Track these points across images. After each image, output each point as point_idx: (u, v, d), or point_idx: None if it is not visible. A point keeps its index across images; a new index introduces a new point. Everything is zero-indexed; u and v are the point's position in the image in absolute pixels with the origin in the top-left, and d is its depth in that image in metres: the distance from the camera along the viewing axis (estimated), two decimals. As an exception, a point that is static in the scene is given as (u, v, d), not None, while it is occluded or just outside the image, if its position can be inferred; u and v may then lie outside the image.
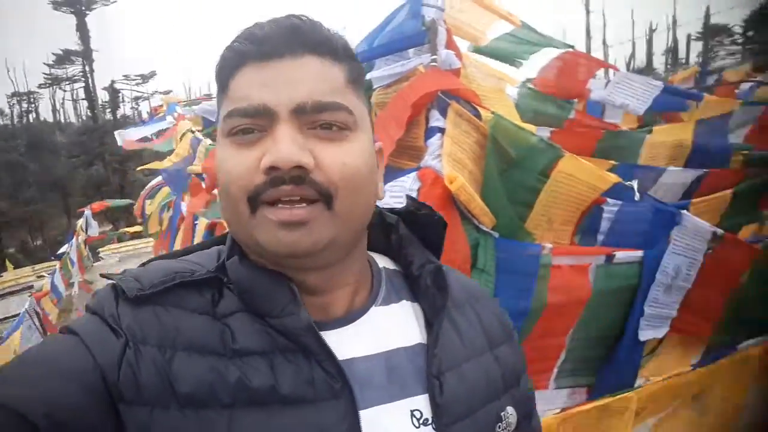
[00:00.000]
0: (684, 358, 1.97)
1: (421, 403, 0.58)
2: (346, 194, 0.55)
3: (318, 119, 0.55)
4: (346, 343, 0.58)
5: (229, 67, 0.58)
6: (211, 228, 3.24)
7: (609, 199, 1.77)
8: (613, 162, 1.99)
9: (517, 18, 1.78)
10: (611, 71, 2.40)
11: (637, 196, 1.70)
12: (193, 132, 3.69)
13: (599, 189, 1.72)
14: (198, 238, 3.35)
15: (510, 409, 0.65)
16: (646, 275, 1.83)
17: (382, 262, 0.70)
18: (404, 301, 0.66)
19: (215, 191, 3.41)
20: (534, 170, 1.65)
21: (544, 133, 1.98)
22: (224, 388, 0.52)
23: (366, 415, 0.55)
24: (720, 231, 1.87)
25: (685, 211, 1.82)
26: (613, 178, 1.70)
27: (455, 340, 0.64)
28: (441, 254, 0.71)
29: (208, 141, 3.52)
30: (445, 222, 0.70)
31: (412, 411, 0.58)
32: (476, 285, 0.79)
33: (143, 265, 0.63)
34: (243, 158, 0.54)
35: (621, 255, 1.77)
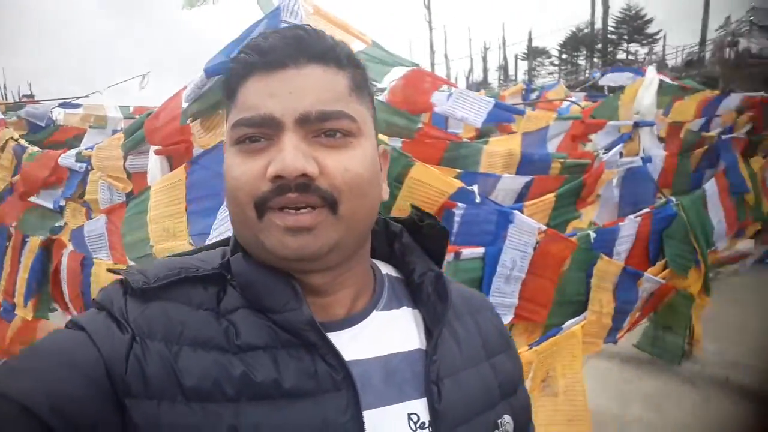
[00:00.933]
0: (530, 342, 2.25)
1: (418, 407, 0.59)
2: (349, 199, 0.57)
3: (322, 127, 0.56)
4: (346, 344, 0.58)
5: (236, 77, 0.59)
6: (45, 246, 2.90)
7: (459, 203, 1.97)
8: (458, 170, 2.22)
9: (369, 37, 1.91)
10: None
11: (477, 199, 1.92)
12: (16, 140, 3.26)
13: (446, 193, 1.90)
14: (28, 258, 2.97)
15: (507, 418, 0.66)
16: (488, 268, 2.07)
17: (385, 269, 0.72)
18: (405, 308, 0.67)
19: (33, 198, 3.04)
20: (390, 177, 1.78)
21: (396, 143, 2.14)
22: (229, 382, 0.53)
23: (365, 416, 0.55)
24: (543, 227, 2.19)
25: (516, 211, 2.10)
26: (458, 183, 1.89)
27: (454, 348, 0.65)
28: (442, 263, 0.72)
29: (35, 148, 3.14)
30: (448, 232, 0.72)
31: (409, 414, 0.59)
32: (477, 295, 0.79)
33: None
34: (250, 166, 0.56)
35: (466, 252, 1.99)
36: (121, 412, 0.50)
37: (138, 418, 0.50)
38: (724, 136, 4.27)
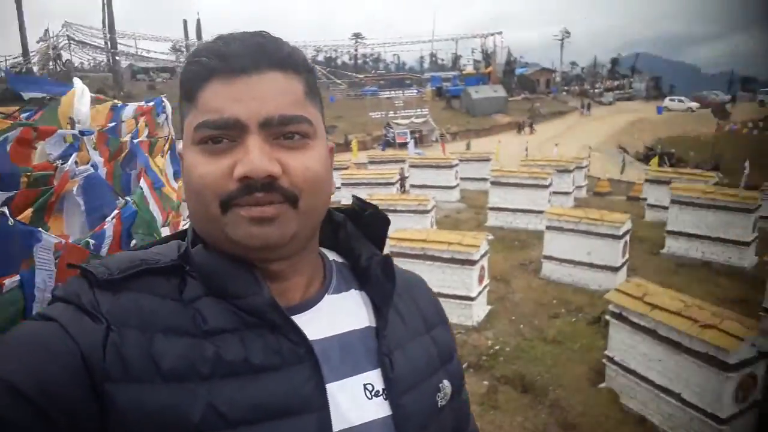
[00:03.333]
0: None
1: (372, 377, 0.65)
2: (309, 195, 0.61)
3: (283, 131, 0.60)
4: (304, 326, 0.62)
5: (195, 79, 0.60)
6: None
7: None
8: (-44, 192, 1.79)
9: None
10: None
11: (11, 221, 1.72)
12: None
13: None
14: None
15: (446, 382, 0.73)
16: (27, 295, 1.85)
17: (332, 256, 0.76)
18: (353, 290, 0.73)
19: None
20: None
21: None
22: (202, 362, 0.56)
23: (326, 389, 0.61)
24: (62, 240, 2.12)
25: (41, 229, 1.95)
26: (-17, 206, 1.64)
27: (399, 323, 0.72)
28: (383, 248, 0.77)
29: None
30: (389, 220, 0.78)
31: (364, 385, 0.64)
32: (412, 274, 0.84)
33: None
34: (215, 165, 0.59)
35: (8, 282, 1.72)
36: (98, 399, 0.52)
37: (121, 402, 0.53)
38: (134, 140, 4.87)
